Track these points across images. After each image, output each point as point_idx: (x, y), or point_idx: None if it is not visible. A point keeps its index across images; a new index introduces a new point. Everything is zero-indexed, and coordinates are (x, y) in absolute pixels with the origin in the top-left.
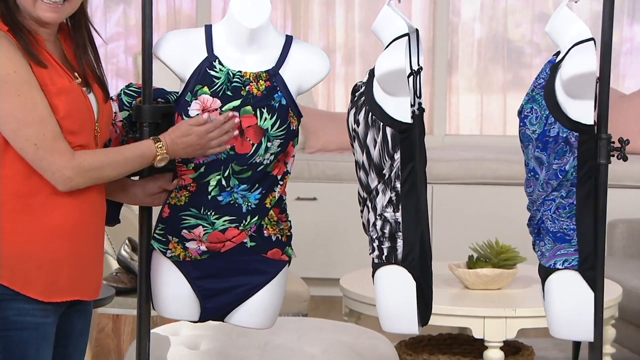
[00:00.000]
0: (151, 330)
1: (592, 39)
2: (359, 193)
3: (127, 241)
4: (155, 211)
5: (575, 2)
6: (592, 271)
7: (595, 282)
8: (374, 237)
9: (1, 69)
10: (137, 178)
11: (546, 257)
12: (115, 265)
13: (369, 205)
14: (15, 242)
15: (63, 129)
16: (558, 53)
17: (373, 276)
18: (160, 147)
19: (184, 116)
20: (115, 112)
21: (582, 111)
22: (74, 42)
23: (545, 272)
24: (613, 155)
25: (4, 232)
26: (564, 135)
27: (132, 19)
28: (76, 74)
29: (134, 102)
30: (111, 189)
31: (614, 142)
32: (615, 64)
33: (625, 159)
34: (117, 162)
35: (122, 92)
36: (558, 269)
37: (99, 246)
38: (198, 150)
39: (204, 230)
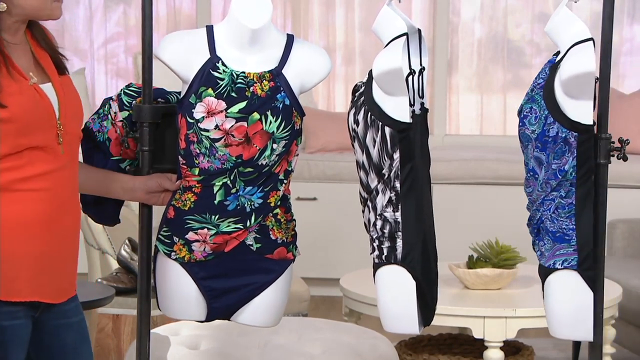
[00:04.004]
0: (151, 330)
1: (591, 38)
2: (360, 193)
3: (127, 241)
4: (156, 211)
5: (575, 1)
6: (591, 271)
7: (594, 281)
8: (374, 237)
9: None
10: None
11: (545, 257)
12: (115, 265)
13: (370, 205)
14: None
15: (10, 132)
16: (558, 53)
17: (374, 276)
18: None
19: (188, 118)
20: (115, 112)
21: (581, 111)
22: (35, 38)
23: (544, 272)
24: (613, 155)
25: None
26: (563, 135)
27: (132, 19)
28: (31, 73)
29: (134, 102)
30: (110, 181)
31: (614, 142)
32: (615, 64)
33: (625, 159)
34: None
35: (122, 92)
36: (557, 269)
37: (71, 246)
38: None
39: (209, 231)
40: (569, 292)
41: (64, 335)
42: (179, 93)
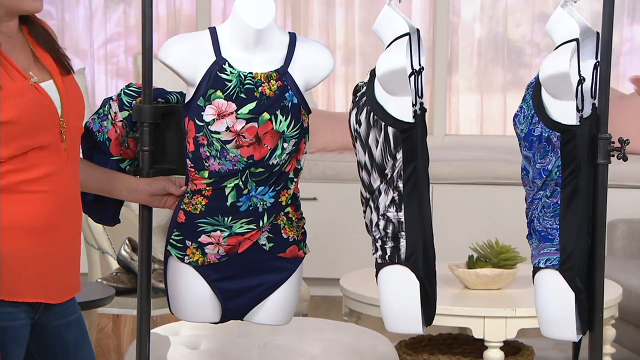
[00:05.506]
0: (151, 330)
1: (575, 39)
2: (361, 193)
3: (127, 241)
4: (156, 210)
5: (575, 1)
6: (572, 271)
7: (575, 281)
8: (377, 237)
9: None
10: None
11: (533, 255)
12: (115, 265)
13: (372, 205)
14: None
15: (13, 134)
16: None
17: (377, 276)
18: None
19: (197, 121)
20: (115, 112)
21: (562, 111)
22: (34, 35)
23: (533, 271)
24: (613, 155)
25: None
26: (546, 135)
27: (132, 19)
28: (31, 72)
29: (134, 102)
30: (114, 181)
31: (614, 142)
32: (615, 64)
33: (625, 159)
34: None
35: (122, 92)
36: (541, 268)
37: (73, 246)
38: None
39: (223, 233)
40: (551, 291)
41: (65, 333)
42: (180, 93)
